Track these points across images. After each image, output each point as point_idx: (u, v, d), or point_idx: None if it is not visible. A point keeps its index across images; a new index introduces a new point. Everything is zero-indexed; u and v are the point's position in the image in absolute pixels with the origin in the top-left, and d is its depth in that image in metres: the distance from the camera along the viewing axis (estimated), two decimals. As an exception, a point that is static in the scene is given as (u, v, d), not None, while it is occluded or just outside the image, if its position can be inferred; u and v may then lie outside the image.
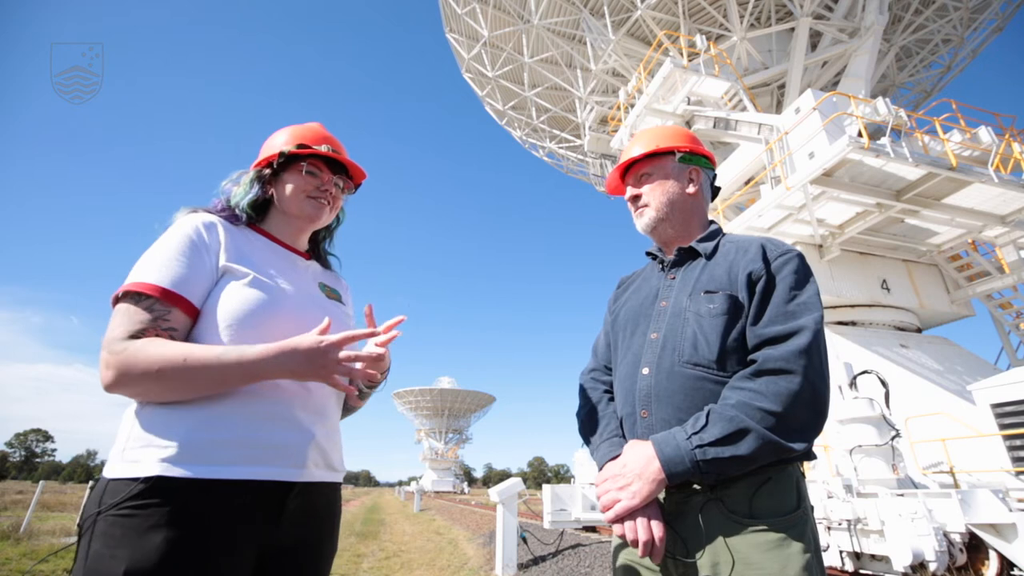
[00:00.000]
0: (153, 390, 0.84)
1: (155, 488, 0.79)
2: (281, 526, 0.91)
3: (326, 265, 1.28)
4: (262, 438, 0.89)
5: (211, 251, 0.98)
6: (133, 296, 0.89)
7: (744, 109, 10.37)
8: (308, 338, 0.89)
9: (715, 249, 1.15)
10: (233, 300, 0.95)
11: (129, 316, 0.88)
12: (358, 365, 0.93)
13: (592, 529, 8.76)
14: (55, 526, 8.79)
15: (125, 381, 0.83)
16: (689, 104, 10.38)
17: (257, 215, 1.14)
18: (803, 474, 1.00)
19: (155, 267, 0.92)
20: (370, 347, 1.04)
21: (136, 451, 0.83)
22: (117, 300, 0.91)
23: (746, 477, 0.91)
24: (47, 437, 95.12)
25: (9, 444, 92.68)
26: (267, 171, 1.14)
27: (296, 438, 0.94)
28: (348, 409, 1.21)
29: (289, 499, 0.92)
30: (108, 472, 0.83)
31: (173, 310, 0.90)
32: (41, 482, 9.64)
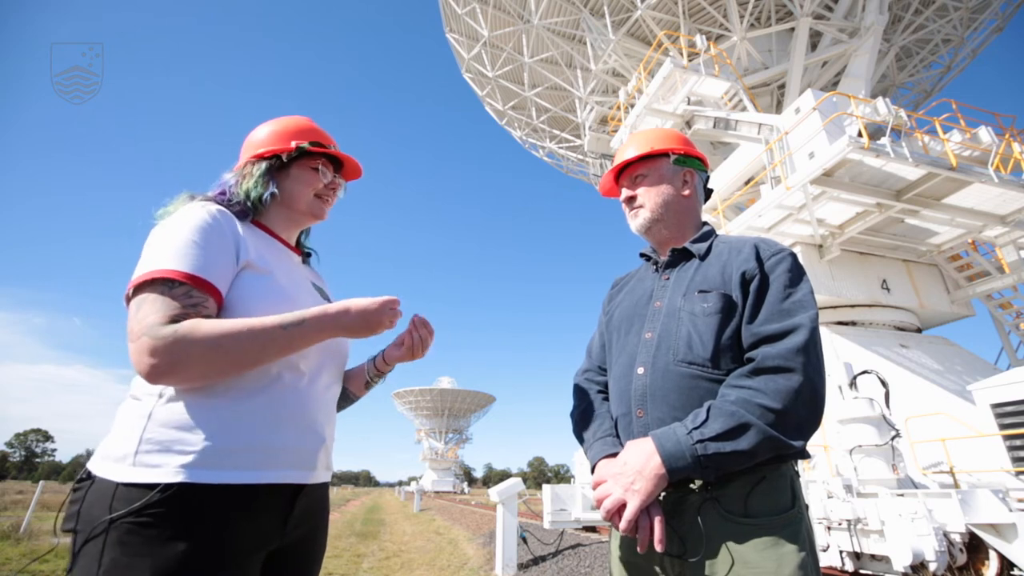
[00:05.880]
0: (213, 366, 0.82)
1: (175, 495, 0.77)
2: (287, 527, 0.92)
3: (305, 260, 1.24)
4: (281, 442, 0.89)
5: (232, 243, 0.96)
6: (162, 283, 0.84)
7: (744, 109, 10.36)
8: (360, 300, 0.97)
9: (709, 250, 1.15)
10: (259, 297, 0.94)
11: (164, 302, 0.83)
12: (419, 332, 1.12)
13: (592, 529, 8.75)
14: (55, 527, 8.78)
15: (180, 363, 0.79)
16: (689, 104, 10.37)
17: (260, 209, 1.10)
18: (797, 473, 1.00)
19: (181, 254, 0.86)
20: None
21: (152, 455, 0.79)
22: (135, 289, 0.85)
23: (741, 476, 0.92)
24: (47, 437, 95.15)
25: (9, 444, 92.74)
26: (276, 163, 1.10)
27: (311, 441, 0.96)
28: (351, 401, 1.23)
29: (298, 500, 0.93)
30: (115, 475, 0.78)
31: (209, 298, 0.87)
32: (41, 482, 9.65)
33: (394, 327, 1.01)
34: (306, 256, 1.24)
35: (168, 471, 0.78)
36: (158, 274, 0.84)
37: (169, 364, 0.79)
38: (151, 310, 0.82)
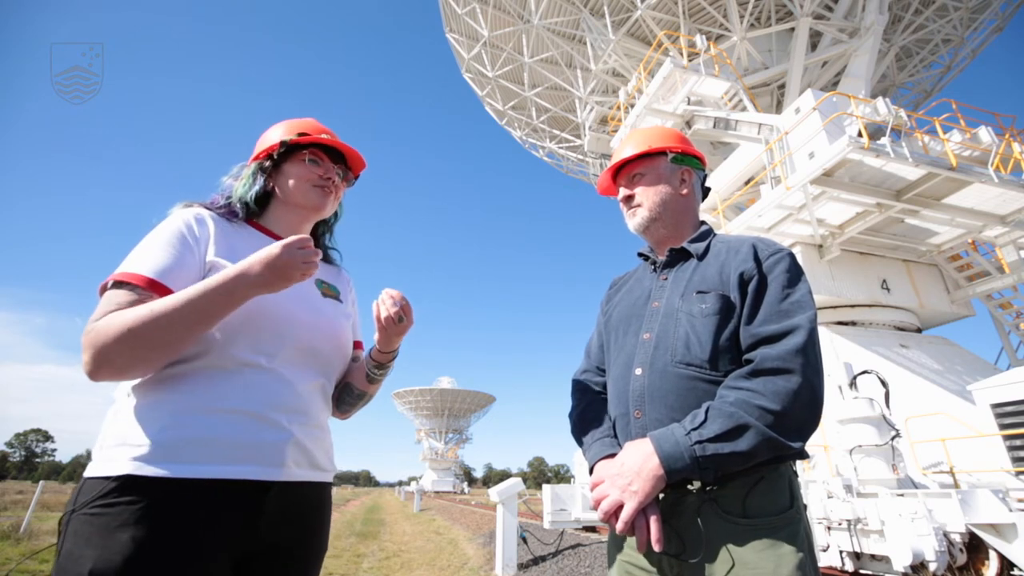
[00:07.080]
0: (130, 355, 0.82)
1: (124, 487, 0.78)
2: (260, 527, 0.89)
3: (328, 260, 1.26)
4: (236, 437, 0.87)
5: (200, 244, 0.98)
6: (115, 286, 0.90)
7: (744, 109, 10.36)
8: (264, 249, 0.89)
9: (706, 250, 1.15)
10: None
11: (107, 301, 0.87)
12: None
13: (592, 529, 8.75)
14: (55, 526, 8.78)
15: (102, 357, 0.81)
16: (689, 104, 10.37)
17: (258, 209, 1.13)
18: (796, 474, 1.00)
19: (140, 258, 0.92)
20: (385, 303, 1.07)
21: (110, 449, 0.82)
22: (104, 291, 0.91)
23: (739, 477, 0.91)
24: (47, 437, 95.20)
25: (9, 444, 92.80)
26: (268, 163, 1.13)
27: (273, 437, 0.91)
28: (359, 396, 1.17)
29: (267, 499, 0.89)
30: (87, 471, 0.83)
31: (152, 295, 0.89)
32: (41, 482, 9.65)
33: (315, 268, 0.91)
34: (325, 256, 1.25)
35: (118, 464, 0.80)
36: (113, 278, 0.91)
37: (96, 357, 0.81)
38: (97, 309, 0.87)
